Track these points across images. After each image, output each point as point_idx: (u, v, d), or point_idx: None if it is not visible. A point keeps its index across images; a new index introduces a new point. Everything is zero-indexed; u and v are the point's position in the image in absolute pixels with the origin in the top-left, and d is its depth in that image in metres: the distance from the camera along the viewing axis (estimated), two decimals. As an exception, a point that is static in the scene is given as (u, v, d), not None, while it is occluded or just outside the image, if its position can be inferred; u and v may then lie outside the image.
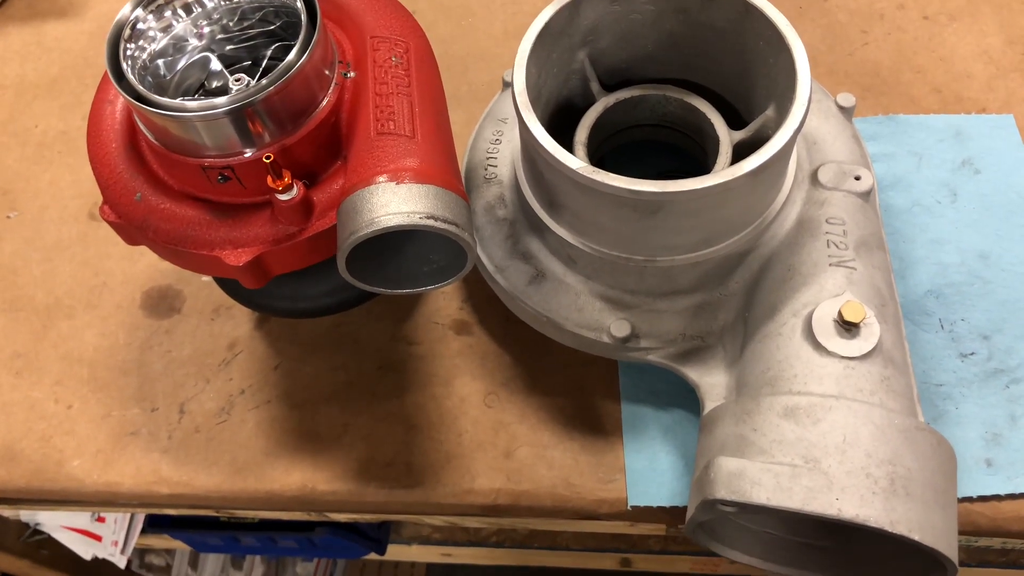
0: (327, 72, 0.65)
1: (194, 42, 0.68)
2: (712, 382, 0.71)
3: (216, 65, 0.69)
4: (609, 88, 0.80)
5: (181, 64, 0.68)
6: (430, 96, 0.65)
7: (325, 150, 0.66)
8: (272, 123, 0.62)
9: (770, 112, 0.73)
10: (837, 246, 0.70)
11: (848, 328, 0.64)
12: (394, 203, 0.58)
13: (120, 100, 0.69)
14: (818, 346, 0.64)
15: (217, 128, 0.61)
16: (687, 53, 0.79)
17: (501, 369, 0.81)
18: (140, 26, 0.65)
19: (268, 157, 0.60)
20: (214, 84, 0.69)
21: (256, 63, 0.71)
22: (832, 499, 0.55)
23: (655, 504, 0.74)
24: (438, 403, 0.80)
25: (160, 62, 0.66)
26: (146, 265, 0.90)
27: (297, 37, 0.66)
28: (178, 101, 0.60)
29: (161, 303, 0.88)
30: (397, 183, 0.59)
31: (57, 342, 0.87)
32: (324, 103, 0.65)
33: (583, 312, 0.75)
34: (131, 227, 0.67)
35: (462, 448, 0.77)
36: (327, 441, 0.79)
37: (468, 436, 0.78)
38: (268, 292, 0.78)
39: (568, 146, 0.69)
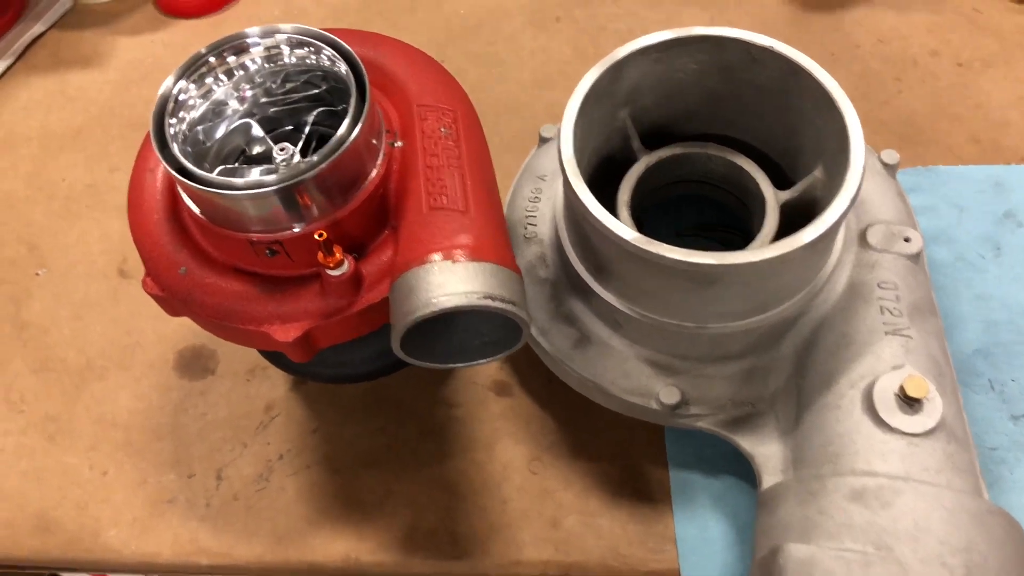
0: (375, 142, 0.64)
1: (235, 106, 0.67)
2: (767, 453, 0.69)
3: (258, 131, 0.68)
4: (650, 144, 0.80)
5: (221, 130, 0.67)
6: (479, 166, 0.65)
7: (373, 221, 0.65)
8: (322, 197, 0.61)
9: (818, 173, 0.72)
10: (891, 312, 0.69)
11: (910, 403, 0.62)
12: (451, 283, 0.57)
13: (160, 168, 0.68)
14: (880, 422, 0.62)
15: (266, 204, 0.60)
16: (729, 110, 0.78)
17: (544, 432, 0.80)
18: (182, 97, 0.64)
19: (320, 235, 0.59)
20: (256, 150, 0.68)
21: (298, 128, 0.70)
22: (907, 588, 0.54)
23: (710, 578, 0.73)
24: (481, 468, 0.78)
25: (200, 129, 0.65)
26: (179, 324, 0.88)
27: (342, 103, 0.65)
28: (226, 178, 0.59)
29: (195, 363, 0.87)
30: (453, 261, 0.58)
31: (90, 405, 0.85)
32: (373, 175, 0.64)
33: (630, 377, 0.74)
34: (175, 301, 0.66)
35: (508, 516, 0.76)
36: (369, 508, 0.77)
37: (513, 504, 0.76)
38: (308, 358, 0.76)
39: (610, 204, 0.68)
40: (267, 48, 0.65)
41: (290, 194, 0.59)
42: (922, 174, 0.92)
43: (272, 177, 0.58)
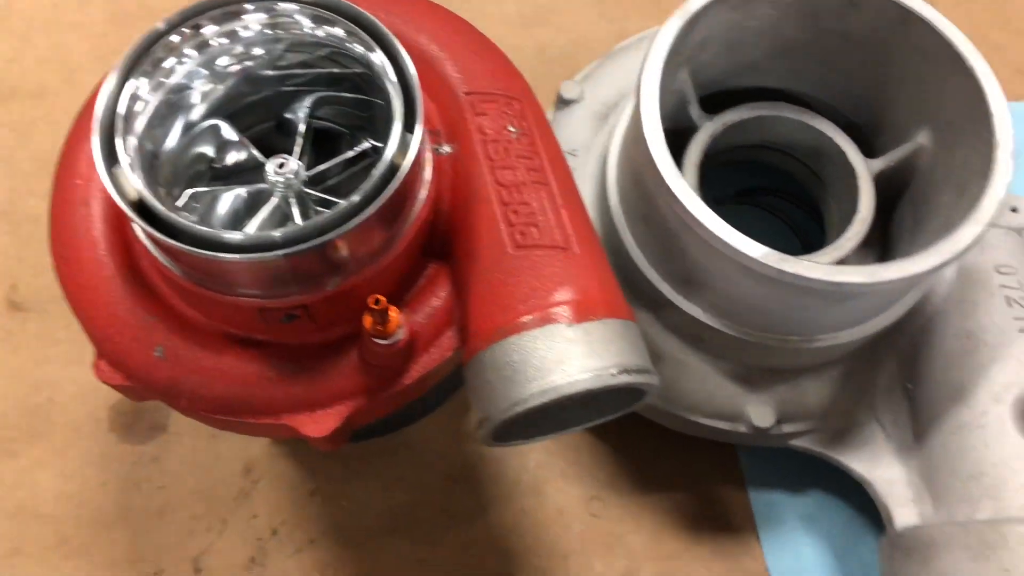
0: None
1: (205, 89, 0.47)
2: (888, 477, 0.59)
3: (230, 134, 0.48)
4: (705, 104, 0.65)
5: (176, 132, 0.46)
6: (566, 178, 0.48)
7: (418, 256, 0.48)
8: (362, 247, 0.43)
9: (923, 140, 0.60)
10: (1020, 303, 0.59)
11: (1078, 421, 0.53)
12: (572, 356, 0.42)
13: (99, 200, 0.48)
14: (1043, 444, 0.53)
15: (286, 267, 0.41)
16: (802, 62, 0.64)
17: (599, 464, 0.67)
18: (136, 105, 0.43)
19: (377, 302, 0.41)
20: (231, 159, 0.49)
21: (282, 125, 0.51)
22: None
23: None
24: (531, 518, 0.65)
25: (147, 135, 0.44)
26: (105, 368, 0.68)
27: (371, 94, 0.46)
28: (231, 233, 0.40)
29: (138, 420, 0.67)
30: (567, 324, 0.42)
31: (2, 494, 0.65)
32: (422, 197, 0.46)
33: (714, 399, 0.61)
34: (151, 391, 0.47)
35: (571, 574, 0.63)
36: (401, 586, 0.63)
37: (576, 558, 0.64)
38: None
39: None
40: (272, 16, 0.45)
41: (323, 251, 0.41)
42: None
43: (290, 231, 0.40)
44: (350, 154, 0.48)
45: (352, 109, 0.49)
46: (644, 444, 0.67)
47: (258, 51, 0.46)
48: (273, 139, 0.51)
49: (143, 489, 0.65)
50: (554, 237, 0.45)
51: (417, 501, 0.65)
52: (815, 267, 0.49)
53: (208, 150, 0.48)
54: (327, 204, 0.46)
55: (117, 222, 0.47)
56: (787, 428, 0.61)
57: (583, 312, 0.43)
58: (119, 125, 0.42)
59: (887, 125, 0.64)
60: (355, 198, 0.41)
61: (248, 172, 0.48)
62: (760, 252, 0.49)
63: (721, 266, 0.53)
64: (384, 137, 0.42)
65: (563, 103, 0.69)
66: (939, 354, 0.59)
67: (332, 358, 0.46)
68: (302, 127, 0.49)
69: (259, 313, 0.44)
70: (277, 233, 0.40)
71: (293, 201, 0.46)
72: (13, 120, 0.80)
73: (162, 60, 0.44)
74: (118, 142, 0.41)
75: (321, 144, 0.51)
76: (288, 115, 0.50)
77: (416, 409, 0.65)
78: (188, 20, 0.44)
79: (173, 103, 0.45)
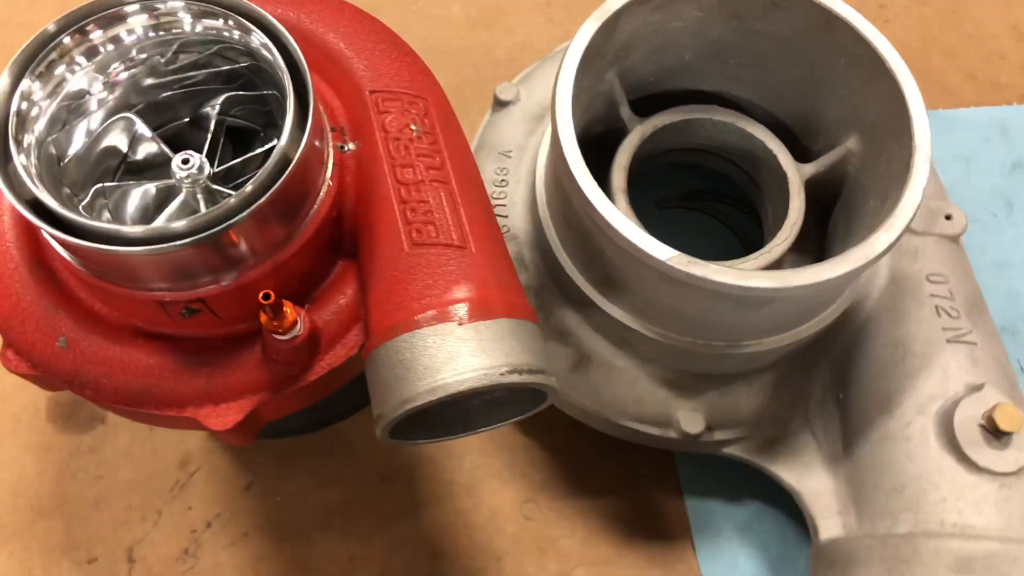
0: (317, 144, 0.46)
1: (100, 96, 0.48)
2: (815, 488, 0.59)
3: (142, 128, 0.49)
4: (636, 107, 0.65)
5: (80, 135, 0.47)
6: (468, 176, 0.48)
7: (324, 252, 0.48)
8: (259, 237, 0.44)
9: (851, 145, 0.60)
10: (948, 314, 0.59)
11: (998, 436, 0.52)
12: (461, 355, 0.42)
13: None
14: (964, 459, 0.52)
15: (181, 258, 0.42)
16: (734, 64, 0.64)
17: (535, 467, 0.67)
18: (26, 106, 0.44)
19: (267, 296, 0.42)
20: (141, 154, 0.49)
21: (197, 121, 0.51)
22: None
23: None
24: (464, 519, 0.65)
25: (50, 139, 0.45)
26: (50, 360, 0.69)
27: (268, 88, 0.47)
28: (115, 228, 0.40)
29: (77, 411, 0.68)
30: (458, 322, 0.42)
31: (-59, 481, 0.66)
32: (323, 194, 0.46)
33: (644, 404, 0.61)
34: (56, 380, 0.48)
35: (503, 576, 0.63)
36: (330, 582, 0.63)
37: (509, 560, 0.64)
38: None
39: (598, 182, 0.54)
40: (154, 16, 0.46)
41: (217, 242, 0.41)
42: (923, 120, 0.81)
43: (187, 223, 0.40)
44: (259, 151, 0.49)
45: (256, 106, 0.49)
46: (580, 447, 0.67)
47: (148, 54, 0.47)
48: (188, 136, 0.51)
49: (79, 479, 0.66)
50: (450, 235, 0.45)
51: (351, 498, 0.65)
52: (723, 271, 0.49)
53: (119, 144, 0.49)
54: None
55: (22, 216, 0.48)
56: (718, 435, 0.61)
57: (477, 311, 0.43)
58: (12, 125, 0.42)
59: (820, 130, 0.63)
60: (247, 189, 0.41)
61: (159, 168, 0.49)
62: (667, 255, 0.49)
63: (635, 269, 0.53)
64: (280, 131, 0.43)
65: (499, 104, 0.69)
66: (869, 362, 0.59)
67: (236, 352, 0.47)
68: (212, 124, 0.49)
69: (159, 306, 0.45)
70: (173, 225, 0.41)
71: (200, 198, 0.47)
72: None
73: (55, 65, 0.45)
74: (11, 142, 0.42)
75: (238, 142, 0.52)
76: (202, 112, 0.50)
77: (343, 406, 0.65)
78: (75, 24, 0.44)
79: (73, 108, 0.45)
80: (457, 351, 0.42)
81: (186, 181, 0.46)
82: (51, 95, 0.45)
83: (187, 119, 0.51)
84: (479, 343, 0.42)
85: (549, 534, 0.64)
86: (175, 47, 0.48)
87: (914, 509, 0.52)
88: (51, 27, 0.44)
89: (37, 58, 0.43)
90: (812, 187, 0.62)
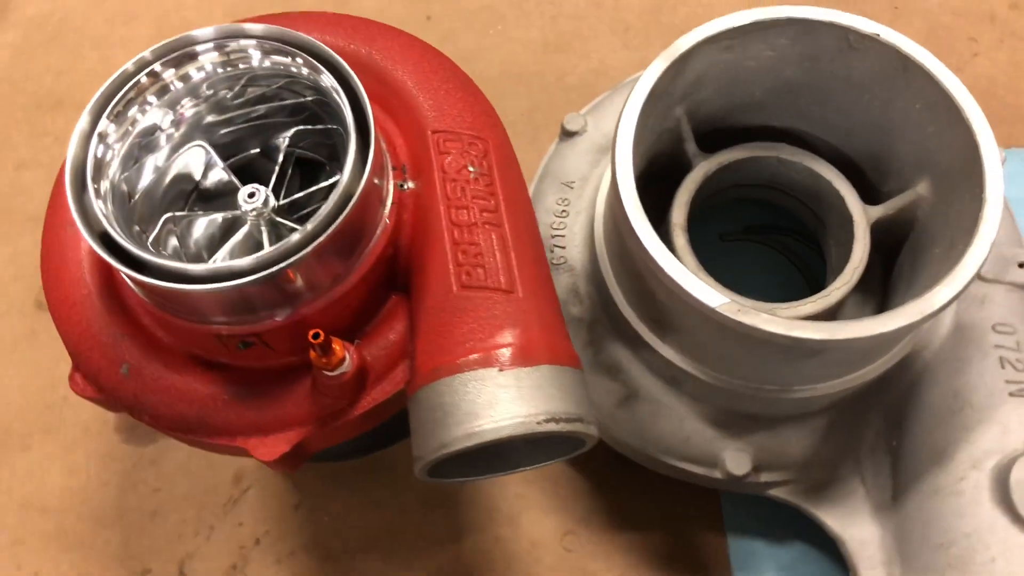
0: (377, 182, 0.47)
1: (171, 132, 0.50)
2: (860, 537, 0.58)
3: (214, 158, 0.50)
4: (703, 139, 0.64)
5: (149, 170, 0.49)
6: (522, 219, 0.49)
7: (379, 287, 0.49)
8: (316, 275, 0.45)
9: (922, 190, 0.58)
10: (1014, 366, 0.57)
11: (1057, 497, 0.51)
12: (501, 402, 0.42)
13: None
14: (1019, 519, 0.51)
15: (241, 295, 0.43)
16: (805, 104, 0.63)
17: (577, 498, 0.67)
18: (102, 150, 0.46)
19: (317, 336, 0.43)
20: (210, 181, 0.51)
21: (267, 152, 0.53)
22: None
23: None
24: (504, 548, 0.65)
25: (122, 177, 0.47)
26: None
27: (334, 123, 0.48)
28: (181, 266, 0.42)
29: (140, 423, 0.70)
30: (499, 368, 0.43)
31: (12, 485, 0.69)
32: (379, 232, 0.47)
33: (690, 443, 0.61)
34: (118, 405, 0.50)
35: (541, 607, 0.63)
36: (372, 604, 0.64)
37: (548, 591, 0.64)
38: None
39: (655, 215, 0.53)
40: (224, 53, 0.48)
41: (276, 279, 0.42)
42: (1009, 159, 0.79)
43: (248, 262, 0.42)
44: (322, 184, 0.50)
45: (322, 139, 0.50)
46: (623, 481, 0.67)
47: (216, 89, 0.48)
48: (258, 166, 0.53)
49: (139, 490, 0.68)
50: (499, 279, 0.45)
51: (394, 522, 0.67)
52: (773, 321, 0.48)
53: (194, 171, 0.51)
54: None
55: (97, 246, 0.50)
56: (765, 477, 0.60)
57: (519, 357, 0.43)
58: (90, 168, 0.44)
59: (891, 172, 0.62)
60: (308, 227, 0.42)
61: (228, 196, 0.50)
62: (718, 301, 0.49)
63: (686, 312, 0.53)
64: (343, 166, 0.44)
65: (566, 135, 0.69)
66: (925, 412, 0.57)
67: (287, 385, 0.48)
68: (280, 157, 0.51)
69: (217, 339, 0.46)
70: (235, 263, 0.42)
71: (264, 229, 0.48)
72: (59, 129, 0.85)
73: (131, 105, 0.47)
74: (89, 180, 0.44)
75: (306, 171, 0.53)
76: (272, 143, 0.52)
77: (390, 433, 0.66)
78: (151, 64, 0.46)
79: (143, 145, 0.47)
80: (497, 397, 0.42)
81: (251, 214, 0.48)
82: (124, 136, 0.47)
83: (257, 150, 0.53)
84: (519, 390, 0.43)
85: (588, 567, 0.65)
86: (243, 82, 0.50)
87: (961, 568, 0.51)
88: (130, 67, 0.46)
89: (115, 99, 0.45)
90: (879, 229, 0.61)
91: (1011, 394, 0.55)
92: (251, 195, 0.48)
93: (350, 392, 0.48)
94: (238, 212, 0.49)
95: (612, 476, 0.67)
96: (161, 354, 0.48)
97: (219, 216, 0.50)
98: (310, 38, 0.46)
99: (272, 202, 0.48)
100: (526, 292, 0.45)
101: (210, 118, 0.51)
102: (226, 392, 0.48)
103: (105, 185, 0.45)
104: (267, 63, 0.47)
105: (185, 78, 0.49)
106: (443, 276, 0.46)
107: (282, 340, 0.47)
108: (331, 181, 0.50)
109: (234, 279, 0.41)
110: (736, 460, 0.60)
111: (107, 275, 0.50)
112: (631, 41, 0.87)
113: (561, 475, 0.68)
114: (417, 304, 0.47)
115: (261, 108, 0.51)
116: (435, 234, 0.47)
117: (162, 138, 0.49)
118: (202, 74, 0.49)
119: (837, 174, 0.62)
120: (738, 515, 0.66)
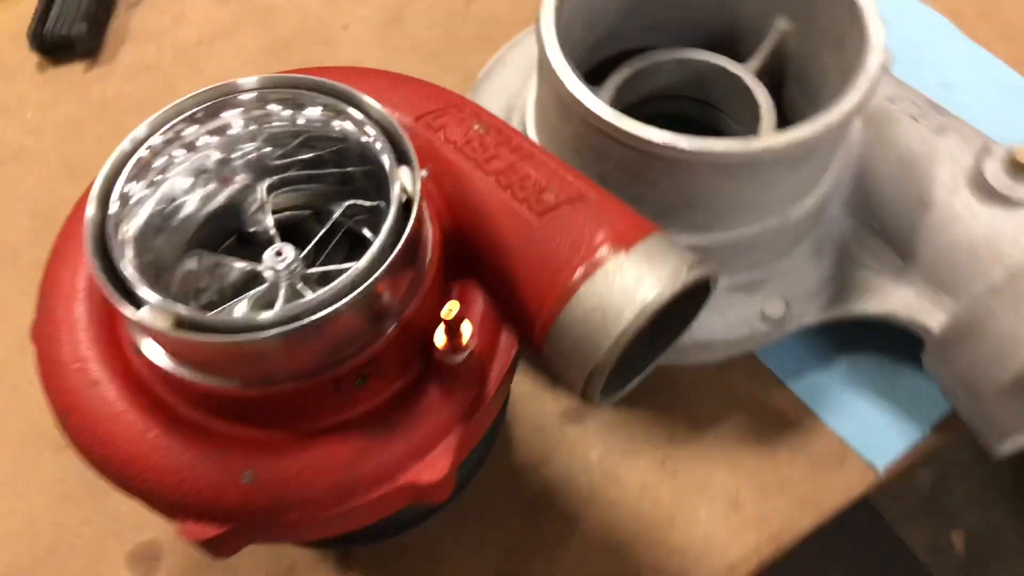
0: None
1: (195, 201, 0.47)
2: (903, 301, 0.63)
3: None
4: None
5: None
6: (544, 150, 0.50)
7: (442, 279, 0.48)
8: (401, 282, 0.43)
9: (782, 25, 0.67)
10: (922, 116, 0.66)
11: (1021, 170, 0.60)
12: (645, 274, 0.43)
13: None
14: (1009, 202, 0.59)
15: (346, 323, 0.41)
16: (652, 14, 0.70)
17: (647, 434, 0.67)
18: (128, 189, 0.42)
19: (450, 311, 0.41)
20: (253, 228, 0.49)
21: (320, 214, 0.51)
22: None
23: (902, 449, 0.66)
24: (621, 507, 0.64)
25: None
26: None
27: (379, 197, 0.46)
28: (260, 315, 0.38)
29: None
30: (623, 253, 0.44)
31: None
32: (428, 220, 0.46)
33: (726, 315, 0.64)
34: (254, 524, 0.43)
35: (681, 533, 0.63)
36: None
37: (681, 515, 0.64)
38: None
39: None
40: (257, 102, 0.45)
41: (371, 295, 0.40)
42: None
43: (325, 292, 0.39)
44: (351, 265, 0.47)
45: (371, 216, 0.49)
46: (676, 399, 0.69)
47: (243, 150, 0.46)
48: (307, 227, 0.51)
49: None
50: (568, 192, 0.46)
51: None
52: (724, 142, 0.53)
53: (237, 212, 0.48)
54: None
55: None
56: (796, 310, 0.65)
57: (630, 238, 0.44)
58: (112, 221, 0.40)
59: (746, 31, 0.70)
60: (377, 243, 0.40)
61: (257, 247, 0.47)
62: (660, 137, 0.53)
63: (637, 166, 0.56)
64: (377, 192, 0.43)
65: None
66: (887, 189, 0.65)
67: (412, 404, 0.45)
68: (329, 223, 0.48)
69: (333, 385, 0.43)
70: (306, 298, 0.39)
71: (282, 290, 0.46)
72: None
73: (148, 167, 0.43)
74: (113, 244, 0.40)
75: (356, 242, 0.51)
76: (326, 208, 0.50)
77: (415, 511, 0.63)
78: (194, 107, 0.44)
79: (167, 214, 0.44)
80: (638, 274, 0.43)
81: (271, 272, 0.45)
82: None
83: (312, 211, 0.50)
84: (649, 261, 0.44)
85: (700, 478, 0.65)
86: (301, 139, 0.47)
87: (998, 258, 0.58)
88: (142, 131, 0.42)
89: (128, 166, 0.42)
90: (761, 80, 0.68)
91: (934, 131, 0.64)
92: (278, 253, 0.46)
93: (479, 370, 0.46)
94: (258, 267, 0.46)
95: (661, 401, 0.69)
96: (277, 447, 0.43)
97: (244, 265, 0.47)
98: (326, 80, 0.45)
99: (300, 270, 0.46)
100: (592, 190, 0.47)
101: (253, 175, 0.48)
102: (360, 439, 0.44)
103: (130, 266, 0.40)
104: (300, 120, 0.46)
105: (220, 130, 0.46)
106: (514, 217, 0.46)
107: (393, 359, 0.44)
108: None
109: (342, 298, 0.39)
110: (772, 305, 0.64)
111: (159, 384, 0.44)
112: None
113: (622, 421, 0.68)
114: (500, 262, 0.46)
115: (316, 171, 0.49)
116: (480, 193, 0.47)
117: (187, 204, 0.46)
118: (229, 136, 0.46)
119: (706, 51, 0.69)
120: (784, 366, 0.70)
